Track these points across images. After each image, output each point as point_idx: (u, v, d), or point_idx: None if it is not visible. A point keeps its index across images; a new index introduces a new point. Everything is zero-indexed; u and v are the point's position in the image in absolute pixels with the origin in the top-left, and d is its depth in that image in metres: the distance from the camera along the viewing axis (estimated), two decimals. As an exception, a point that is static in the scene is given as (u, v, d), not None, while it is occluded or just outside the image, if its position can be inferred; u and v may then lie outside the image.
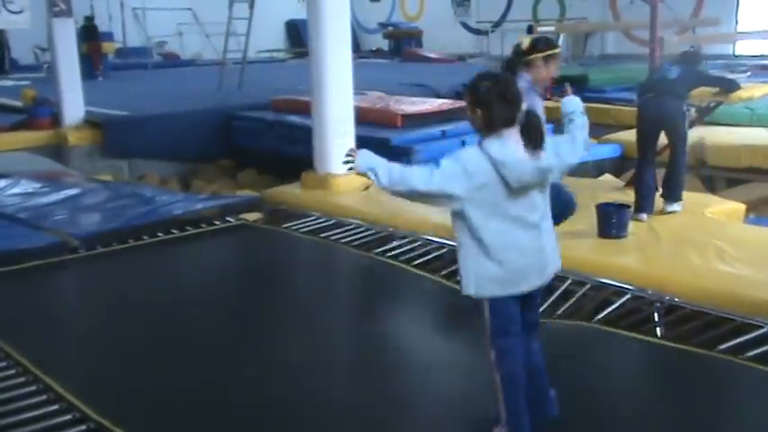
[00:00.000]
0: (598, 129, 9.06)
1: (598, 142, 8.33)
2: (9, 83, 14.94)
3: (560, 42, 11.19)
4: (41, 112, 9.39)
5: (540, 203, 2.42)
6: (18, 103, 10.40)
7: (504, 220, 2.35)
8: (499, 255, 2.35)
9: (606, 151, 7.98)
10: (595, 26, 15.70)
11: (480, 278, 2.38)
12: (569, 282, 4.07)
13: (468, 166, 2.32)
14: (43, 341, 3.52)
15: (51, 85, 9.55)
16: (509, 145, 2.32)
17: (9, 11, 9.21)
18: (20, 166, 7.21)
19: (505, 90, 2.33)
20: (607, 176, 7.24)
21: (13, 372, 3.12)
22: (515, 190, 2.33)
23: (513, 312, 2.43)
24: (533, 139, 2.34)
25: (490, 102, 2.32)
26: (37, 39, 15.63)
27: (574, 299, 3.92)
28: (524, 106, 2.35)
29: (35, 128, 9.20)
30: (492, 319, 2.41)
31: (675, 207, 5.18)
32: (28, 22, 9.48)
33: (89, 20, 16.22)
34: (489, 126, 2.33)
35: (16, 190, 6.25)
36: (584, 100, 9.90)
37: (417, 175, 2.38)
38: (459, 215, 2.38)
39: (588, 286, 4.03)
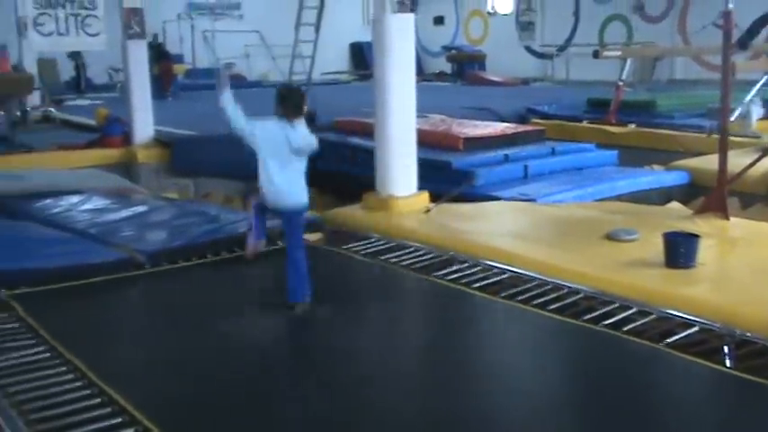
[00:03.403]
0: (665, 155, 8.88)
1: (665, 169, 8.16)
2: (85, 102, 15.53)
3: (627, 67, 11.05)
4: (113, 130, 9.71)
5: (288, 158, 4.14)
6: (92, 122, 10.80)
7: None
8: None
9: (673, 178, 7.79)
10: (664, 51, 15.39)
11: None
12: (633, 310, 3.97)
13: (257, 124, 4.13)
14: (109, 354, 3.60)
15: (123, 105, 9.87)
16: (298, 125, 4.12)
17: (87, 33, 9.56)
18: (92, 182, 7.43)
19: (293, 95, 4.18)
20: (674, 204, 7.06)
21: (79, 384, 3.20)
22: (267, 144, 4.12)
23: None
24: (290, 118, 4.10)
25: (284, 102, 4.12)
26: (112, 60, 16.20)
27: (633, 325, 3.81)
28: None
29: (107, 146, 9.51)
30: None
31: None
32: (104, 44, 9.83)
33: (158, 43, 16.80)
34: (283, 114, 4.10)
35: (88, 206, 6.44)
36: (652, 126, 9.72)
37: (239, 115, 4.13)
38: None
39: (653, 316, 3.92)
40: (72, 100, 16.20)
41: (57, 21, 9.43)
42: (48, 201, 6.60)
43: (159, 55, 16.26)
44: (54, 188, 6.99)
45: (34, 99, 13.20)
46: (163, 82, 15.92)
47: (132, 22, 9.38)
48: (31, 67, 13.27)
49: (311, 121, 4.60)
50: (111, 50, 10.44)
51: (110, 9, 9.73)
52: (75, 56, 17.29)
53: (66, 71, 18.67)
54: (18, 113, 12.43)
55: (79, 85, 17.97)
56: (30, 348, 3.58)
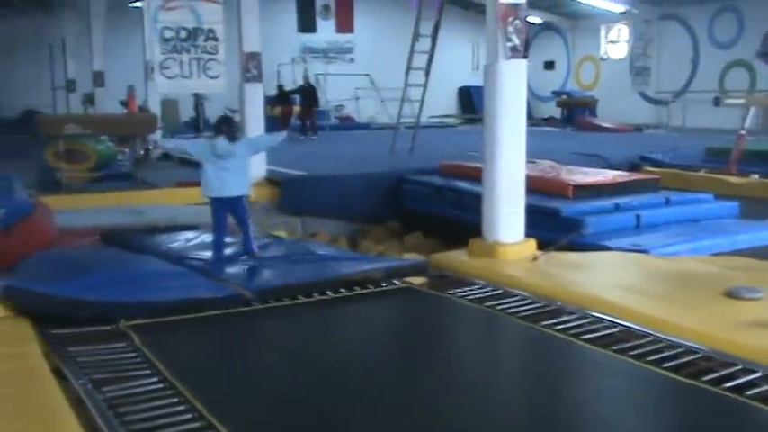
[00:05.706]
0: (791, 208, 8.39)
1: (789, 222, 7.69)
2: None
3: (750, 115, 10.58)
4: (228, 169, 10.04)
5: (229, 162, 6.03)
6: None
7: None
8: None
9: (800, 233, 7.32)
10: (790, 98, 14.67)
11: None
12: (757, 375, 3.72)
13: (198, 147, 6.38)
14: (217, 387, 3.68)
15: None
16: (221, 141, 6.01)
17: (208, 76, 10.05)
18: (206, 218, 7.71)
19: (227, 122, 6.21)
20: (800, 261, 6.62)
21: (189, 416, 3.28)
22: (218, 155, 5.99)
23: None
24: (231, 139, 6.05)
25: (219, 126, 6.13)
26: (229, 101, 16.95)
27: (758, 390, 3.56)
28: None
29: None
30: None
31: None
32: (223, 87, 10.30)
33: (281, 87, 17.48)
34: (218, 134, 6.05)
35: (201, 242, 6.68)
36: (776, 177, 8.93)
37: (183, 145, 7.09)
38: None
39: (780, 382, 3.65)
40: (191, 139, 17.00)
41: (181, 64, 9.97)
42: (165, 236, 6.90)
43: (282, 99, 16.94)
44: (171, 223, 7.31)
45: (156, 137, 13.95)
46: (282, 123, 16.53)
47: (250, 66, 9.79)
48: (155, 108, 14.06)
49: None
50: (228, 92, 10.92)
51: (229, 53, 10.20)
52: (198, 96, 18.20)
53: (186, 111, 19.68)
54: (141, 151, 13.15)
55: (198, 124, 18.85)
56: (145, 378, 3.71)
